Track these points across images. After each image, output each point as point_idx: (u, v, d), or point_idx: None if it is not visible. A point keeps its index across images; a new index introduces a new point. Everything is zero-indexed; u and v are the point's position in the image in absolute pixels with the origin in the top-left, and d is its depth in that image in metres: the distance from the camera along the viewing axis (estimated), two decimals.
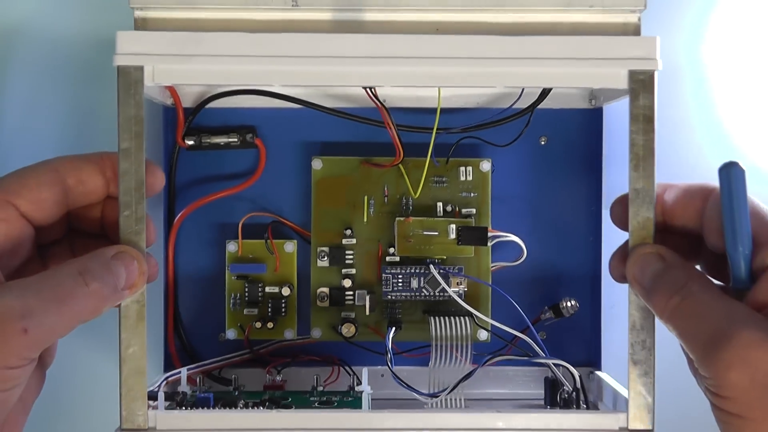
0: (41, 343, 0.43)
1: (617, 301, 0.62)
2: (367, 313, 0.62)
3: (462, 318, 0.60)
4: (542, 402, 0.61)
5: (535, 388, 0.64)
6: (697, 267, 0.50)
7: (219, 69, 0.48)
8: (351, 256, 0.62)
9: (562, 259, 0.64)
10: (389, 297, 0.62)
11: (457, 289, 0.61)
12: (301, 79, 0.49)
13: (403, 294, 0.62)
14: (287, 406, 0.56)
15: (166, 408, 0.52)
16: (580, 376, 0.55)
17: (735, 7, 0.67)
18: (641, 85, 0.48)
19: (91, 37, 0.64)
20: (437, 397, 0.56)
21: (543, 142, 0.64)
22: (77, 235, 0.51)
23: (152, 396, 0.53)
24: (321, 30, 0.49)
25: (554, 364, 0.56)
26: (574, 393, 0.54)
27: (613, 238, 0.57)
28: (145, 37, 0.48)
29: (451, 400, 0.59)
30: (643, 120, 0.49)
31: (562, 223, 0.64)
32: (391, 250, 0.62)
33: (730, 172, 0.45)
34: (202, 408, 0.53)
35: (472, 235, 0.60)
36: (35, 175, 0.48)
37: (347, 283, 0.62)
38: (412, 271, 0.61)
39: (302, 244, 0.63)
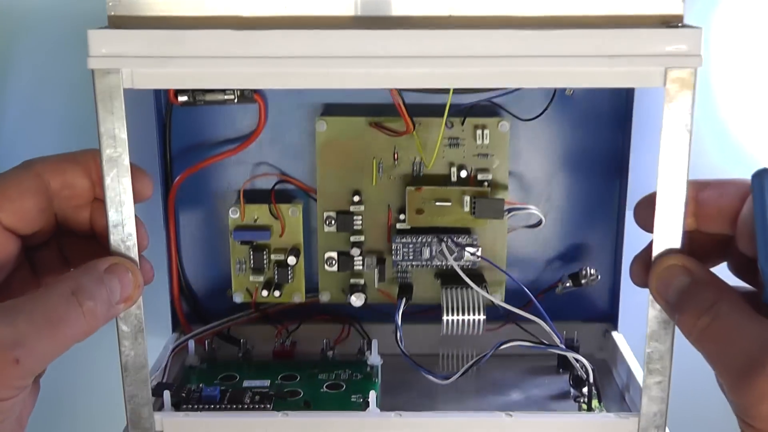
0: (34, 371, 0.42)
1: None
2: (376, 285, 0.59)
3: (474, 291, 0.57)
4: (555, 365, 0.61)
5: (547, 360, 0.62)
6: (725, 263, 0.47)
7: (205, 72, 0.43)
8: (359, 223, 0.59)
9: (583, 226, 0.61)
10: (399, 266, 0.59)
11: (471, 259, 0.58)
12: (298, 81, 0.43)
13: (414, 263, 0.59)
14: (295, 393, 0.55)
15: (173, 403, 0.52)
16: (593, 369, 0.53)
17: (737, 6, 0.62)
18: (679, 84, 0.43)
19: None
20: (449, 379, 0.54)
21: (569, 93, 0.58)
22: (66, 235, 0.49)
23: (158, 391, 0.52)
24: (319, 25, 0.43)
25: (571, 356, 0.55)
26: (586, 388, 0.53)
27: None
28: (121, 36, 0.42)
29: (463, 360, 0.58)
30: (678, 124, 0.43)
31: (585, 191, 0.61)
32: (402, 216, 0.58)
33: (764, 181, 0.41)
34: (209, 406, 0.52)
35: (488, 207, 0.56)
36: (16, 183, 0.45)
37: (355, 251, 0.59)
38: (424, 240, 0.58)
39: (308, 208, 0.60)
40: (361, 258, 0.59)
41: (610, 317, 0.63)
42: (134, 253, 0.46)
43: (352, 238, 0.59)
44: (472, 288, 0.57)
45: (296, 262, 0.59)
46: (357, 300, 0.59)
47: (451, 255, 0.57)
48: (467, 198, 0.56)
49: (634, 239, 0.58)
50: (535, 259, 0.62)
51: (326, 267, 0.60)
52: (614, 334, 0.62)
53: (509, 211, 0.57)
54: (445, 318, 0.58)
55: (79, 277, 0.43)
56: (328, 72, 0.43)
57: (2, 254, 0.45)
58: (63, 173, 0.45)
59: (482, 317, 0.57)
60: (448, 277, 0.59)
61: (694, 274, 0.44)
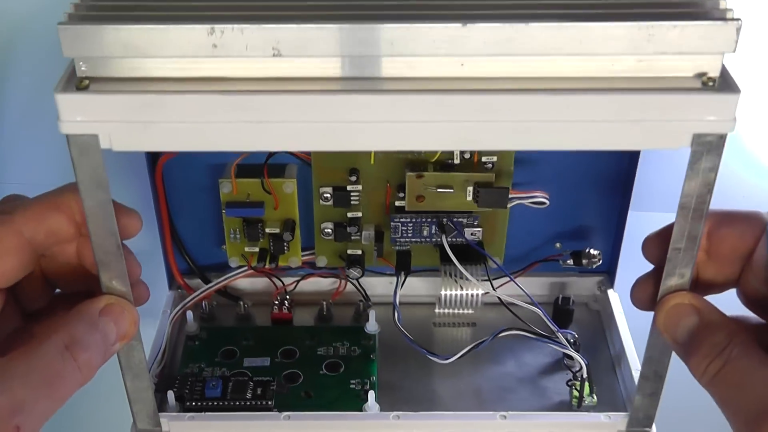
0: (35, 431, 0.42)
1: None
2: (375, 261, 0.58)
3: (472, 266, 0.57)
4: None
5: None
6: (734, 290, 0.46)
7: (190, 137, 0.39)
8: (357, 199, 0.56)
9: (587, 207, 0.59)
10: (398, 242, 0.58)
11: (472, 238, 0.57)
12: (288, 144, 0.40)
13: (413, 240, 0.57)
14: (295, 377, 0.56)
15: (176, 398, 0.53)
16: (588, 365, 0.54)
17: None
18: (707, 147, 0.40)
19: None
20: (449, 359, 0.55)
21: None
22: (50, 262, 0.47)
23: (161, 387, 0.53)
24: (309, 83, 0.38)
25: (565, 350, 0.55)
26: (580, 382, 0.54)
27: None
28: (93, 102, 0.38)
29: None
30: (701, 182, 0.41)
31: (592, 171, 0.58)
32: (401, 194, 0.56)
33: None
34: (212, 403, 0.53)
35: (492, 196, 0.53)
36: None
37: (353, 229, 0.57)
38: (423, 220, 0.56)
39: (303, 183, 0.57)
40: (359, 234, 0.58)
41: (606, 272, 0.63)
42: (127, 287, 0.44)
43: (350, 214, 0.57)
44: (469, 263, 0.57)
45: (292, 239, 0.58)
46: (355, 272, 0.59)
47: (450, 234, 0.56)
48: (470, 188, 0.54)
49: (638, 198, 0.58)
50: (536, 232, 0.61)
51: (323, 236, 0.58)
52: (610, 292, 0.62)
53: (513, 200, 0.54)
54: (442, 293, 0.58)
55: (71, 328, 0.42)
56: (323, 137, 0.39)
57: None
58: (45, 223, 0.43)
59: (479, 292, 0.57)
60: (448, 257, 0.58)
61: (703, 314, 0.43)
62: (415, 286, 0.61)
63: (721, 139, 0.39)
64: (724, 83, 0.39)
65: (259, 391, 0.53)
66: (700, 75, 0.39)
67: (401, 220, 0.56)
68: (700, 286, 0.46)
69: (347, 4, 0.38)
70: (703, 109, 0.38)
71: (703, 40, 0.37)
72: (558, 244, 0.61)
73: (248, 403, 0.53)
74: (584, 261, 0.58)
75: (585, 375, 0.53)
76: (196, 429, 0.52)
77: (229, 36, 0.37)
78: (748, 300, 0.45)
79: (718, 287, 0.46)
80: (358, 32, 0.37)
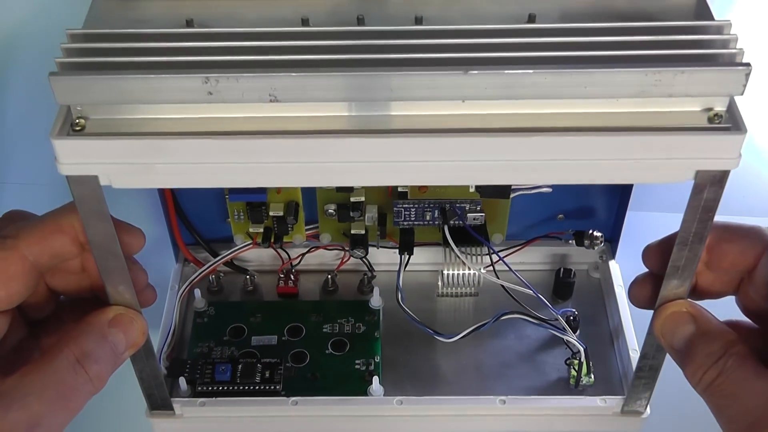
0: None
1: None
2: (378, 246, 0.59)
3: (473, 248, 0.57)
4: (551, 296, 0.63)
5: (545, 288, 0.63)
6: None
7: (190, 177, 0.39)
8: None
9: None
10: (401, 225, 0.58)
11: (475, 222, 0.57)
12: (287, 181, 0.40)
13: (416, 223, 0.58)
14: (302, 357, 0.57)
15: (188, 382, 0.55)
16: (586, 349, 0.55)
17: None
18: (709, 180, 0.39)
19: None
20: (451, 339, 0.56)
21: None
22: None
23: (173, 372, 0.55)
24: (306, 123, 0.37)
25: (564, 335, 0.56)
26: (578, 362, 0.55)
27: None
28: (91, 147, 0.37)
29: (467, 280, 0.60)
30: (702, 210, 0.40)
31: None
32: None
33: None
34: (222, 387, 0.55)
35: (494, 187, 0.53)
36: (2, 269, 0.42)
37: (356, 214, 0.57)
38: (426, 205, 0.56)
39: None
40: (362, 218, 0.58)
41: (609, 240, 0.63)
42: (133, 297, 0.45)
43: (352, 198, 0.57)
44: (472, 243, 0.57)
45: (296, 222, 0.58)
46: (359, 252, 0.59)
47: (452, 219, 0.56)
48: None
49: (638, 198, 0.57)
50: (538, 211, 0.61)
51: (326, 216, 0.59)
52: (611, 263, 0.62)
53: (515, 190, 0.54)
54: (444, 272, 0.59)
55: (82, 341, 0.44)
56: (316, 175, 0.39)
57: None
58: (49, 246, 0.43)
59: (481, 271, 0.58)
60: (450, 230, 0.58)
61: (700, 322, 0.44)
62: (419, 256, 0.62)
63: (725, 173, 0.39)
64: (731, 119, 0.38)
65: (267, 375, 0.55)
66: (707, 110, 0.38)
67: (404, 205, 0.57)
68: (698, 292, 0.46)
69: (345, 45, 0.37)
70: (707, 148, 0.38)
71: (711, 85, 0.36)
72: (560, 216, 0.61)
73: (257, 387, 0.55)
74: (586, 242, 0.58)
75: (583, 358, 0.55)
76: (207, 413, 0.54)
77: (225, 84, 0.36)
78: (746, 309, 0.46)
79: (716, 295, 0.47)
80: (357, 80, 0.36)
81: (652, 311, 0.46)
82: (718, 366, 0.42)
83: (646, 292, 0.47)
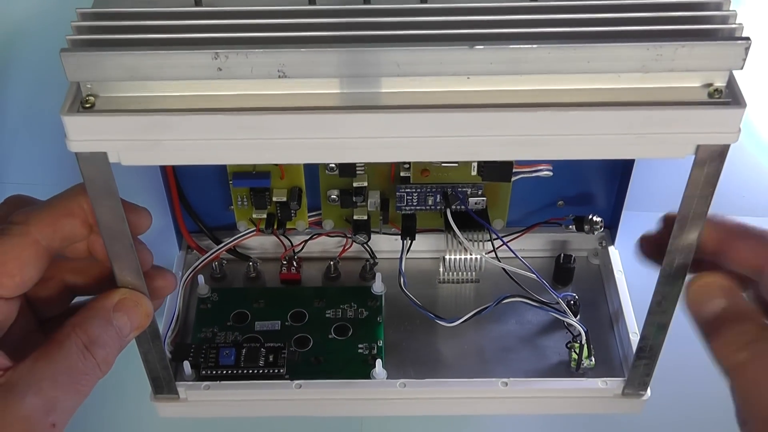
0: (66, 424, 0.45)
1: None
2: (381, 230, 0.59)
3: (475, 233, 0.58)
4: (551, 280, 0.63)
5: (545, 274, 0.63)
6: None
7: (198, 153, 0.39)
8: (362, 169, 0.57)
9: (590, 170, 0.59)
10: (403, 210, 0.58)
11: (476, 207, 0.57)
12: (295, 157, 0.40)
13: (418, 208, 0.58)
14: (305, 341, 0.58)
15: (192, 366, 0.55)
16: (587, 332, 0.56)
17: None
18: (710, 155, 0.40)
19: None
20: (453, 323, 0.57)
21: None
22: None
23: (177, 356, 0.55)
24: (315, 99, 0.38)
25: (565, 318, 0.57)
26: (579, 345, 0.56)
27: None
28: (100, 123, 0.38)
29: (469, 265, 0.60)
30: (703, 185, 0.41)
31: None
32: (406, 165, 0.56)
33: None
34: (226, 371, 0.55)
35: (496, 170, 0.54)
36: (15, 257, 0.42)
37: (359, 199, 0.58)
38: (428, 190, 0.57)
39: None
40: (364, 203, 0.58)
41: (608, 227, 0.64)
42: (140, 279, 0.46)
43: (355, 184, 0.58)
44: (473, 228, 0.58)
45: (299, 207, 0.59)
46: (362, 238, 0.60)
47: (454, 203, 0.57)
48: (475, 163, 0.54)
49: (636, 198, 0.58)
50: (539, 197, 0.61)
51: (329, 202, 0.59)
52: (610, 249, 0.63)
53: (517, 174, 0.55)
54: (446, 257, 0.59)
55: (88, 327, 0.44)
56: (328, 151, 0.39)
57: (5, 322, 0.44)
58: (60, 229, 0.44)
59: (482, 256, 0.59)
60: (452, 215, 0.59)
61: (734, 299, 0.43)
62: (420, 242, 0.62)
63: (725, 147, 0.40)
64: (730, 94, 0.38)
65: (271, 358, 0.56)
66: (707, 86, 0.39)
67: (406, 190, 0.57)
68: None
69: (352, 22, 0.38)
70: (707, 122, 0.38)
71: (712, 59, 0.37)
72: (560, 202, 0.62)
73: (261, 371, 0.55)
74: (586, 227, 0.59)
75: (584, 341, 0.55)
76: (211, 397, 0.54)
77: (234, 60, 0.37)
78: (758, 301, 0.44)
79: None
80: (365, 55, 0.36)
81: (652, 295, 0.46)
82: (752, 349, 0.41)
83: (654, 242, 0.46)
